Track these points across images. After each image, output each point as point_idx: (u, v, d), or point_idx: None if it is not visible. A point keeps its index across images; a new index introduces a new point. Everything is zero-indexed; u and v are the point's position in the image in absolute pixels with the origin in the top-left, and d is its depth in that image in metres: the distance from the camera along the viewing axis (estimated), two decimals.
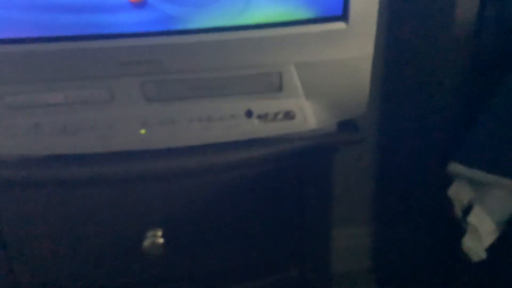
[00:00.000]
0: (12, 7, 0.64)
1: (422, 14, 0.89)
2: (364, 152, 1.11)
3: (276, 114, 0.74)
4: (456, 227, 0.82)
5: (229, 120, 0.73)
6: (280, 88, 0.72)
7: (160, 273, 0.81)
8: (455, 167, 0.79)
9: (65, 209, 0.76)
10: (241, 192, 0.78)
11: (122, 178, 0.75)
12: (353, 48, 0.71)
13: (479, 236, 0.77)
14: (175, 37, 0.67)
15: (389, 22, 0.97)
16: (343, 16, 0.69)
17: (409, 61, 0.95)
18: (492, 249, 0.77)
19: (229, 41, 0.68)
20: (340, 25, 0.69)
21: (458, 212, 0.81)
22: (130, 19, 0.66)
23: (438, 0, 0.84)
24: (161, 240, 0.77)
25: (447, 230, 0.90)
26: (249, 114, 0.73)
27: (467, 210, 0.79)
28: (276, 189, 0.80)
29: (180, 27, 0.67)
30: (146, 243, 0.76)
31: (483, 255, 0.77)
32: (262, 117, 0.73)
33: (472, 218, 0.78)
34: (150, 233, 0.77)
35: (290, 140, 0.75)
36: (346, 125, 0.78)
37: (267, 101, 0.73)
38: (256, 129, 0.74)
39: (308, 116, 0.74)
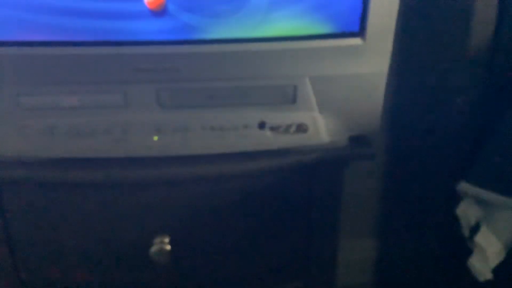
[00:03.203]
0: (32, 10, 0.65)
1: (436, 30, 0.90)
2: (373, 167, 1.11)
3: (289, 127, 0.74)
4: (463, 246, 0.82)
5: (241, 131, 0.73)
6: (294, 101, 0.73)
7: (166, 280, 0.81)
8: (464, 187, 0.79)
9: (74, 212, 0.76)
10: (250, 202, 0.78)
11: (132, 183, 0.75)
12: (369, 64, 0.71)
13: (486, 256, 0.77)
14: (193, 46, 0.68)
15: (402, 38, 0.97)
16: (360, 32, 0.69)
17: (421, 78, 0.95)
18: (498, 270, 0.77)
19: (245, 52, 0.69)
20: (356, 41, 0.69)
21: (466, 231, 0.81)
22: (149, 27, 0.66)
23: (453, 17, 0.84)
24: (168, 247, 0.77)
25: (454, 248, 0.90)
26: (262, 125, 0.73)
27: (475, 229, 0.79)
28: (284, 201, 0.80)
29: (198, 36, 0.68)
30: (153, 249, 0.76)
31: (489, 275, 0.77)
32: (275, 128, 0.74)
33: (479, 238, 0.78)
34: (157, 240, 0.77)
35: (301, 153, 0.76)
36: (358, 140, 0.78)
37: (280, 113, 0.73)
38: (269, 140, 0.74)
39: (321, 129, 0.74)
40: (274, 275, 0.85)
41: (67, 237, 0.77)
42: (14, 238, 0.77)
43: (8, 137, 0.70)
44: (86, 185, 0.74)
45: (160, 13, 0.66)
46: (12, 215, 0.75)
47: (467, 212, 0.80)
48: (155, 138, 0.72)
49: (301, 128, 0.74)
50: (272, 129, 0.74)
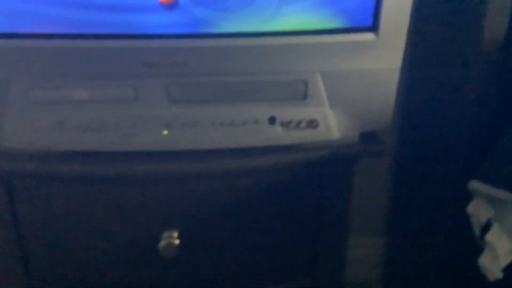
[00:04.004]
0: (42, 2, 0.65)
1: (448, 26, 0.89)
2: (383, 164, 1.11)
3: (299, 122, 0.73)
4: (473, 244, 0.81)
5: (252, 126, 0.73)
6: (305, 96, 0.72)
7: (174, 274, 0.81)
8: (475, 185, 0.79)
9: (83, 205, 0.76)
10: (259, 198, 0.78)
11: (141, 178, 0.75)
12: (381, 60, 0.70)
13: (496, 255, 0.76)
14: (203, 40, 0.67)
15: (415, 34, 0.96)
16: (373, 27, 0.69)
17: (434, 75, 0.94)
18: (509, 269, 0.76)
19: (256, 47, 0.68)
20: (369, 36, 0.69)
21: (476, 230, 0.80)
22: (160, 20, 0.66)
23: (466, 13, 0.83)
24: (177, 242, 0.77)
25: (463, 246, 0.89)
26: (272, 120, 0.73)
27: (486, 228, 0.78)
28: (293, 197, 0.79)
29: (209, 30, 0.67)
30: (162, 243, 0.76)
31: (499, 274, 0.76)
32: (285, 124, 0.73)
33: (490, 237, 0.77)
34: (166, 234, 0.77)
35: (311, 149, 0.75)
36: (368, 137, 0.77)
37: (291, 109, 0.73)
38: (279, 136, 0.73)
39: (332, 125, 0.74)
40: (283, 271, 0.85)
41: (76, 230, 0.77)
42: (23, 231, 0.77)
43: (18, 130, 0.70)
44: (95, 179, 0.74)
45: (171, 6, 0.65)
46: (22, 208, 0.75)
47: (478, 210, 0.80)
48: (165, 132, 0.72)
49: (311, 124, 0.74)
50: (283, 124, 0.73)
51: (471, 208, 0.80)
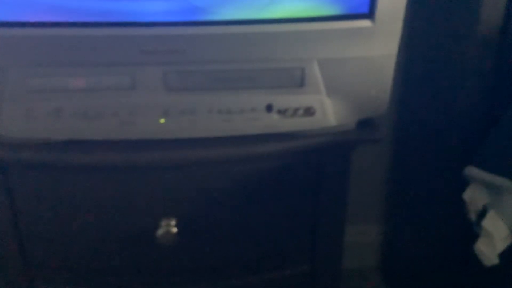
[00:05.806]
0: None
1: (446, 12, 0.89)
2: (380, 151, 1.11)
3: (296, 110, 0.73)
4: (468, 230, 0.82)
5: (249, 114, 0.73)
6: (301, 84, 0.72)
7: (172, 262, 0.81)
8: (471, 171, 0.79)
9: (81, 194, 0.76)
10: (256, 186, 0.78)
11: (138, 166, 0.75)
12: (378, 46, 0.70)
13: (493, 241, 0.77)
14: (200, 28, 0.67)
15: (412, 21, 0.96)
16: (369, 14, 0.68)
17: (430, 61, 0.94)
18: (505, 255, 0.77)
19: (253, 34, 0.68)
20: (365, 23, 0.69)
21: (472, 216, 0.81)
22: (157, 8, 0.66)
23: None
24: (174, 230, 0.77)
25: (459, 232, 0.90)
26: (269, 108, 0.73)
27: (482, 214, 0.79)
28: (291, 184, 0.80)
29: (205, 18, 0.67)
30: (160, 232, 0.77)
31: (495, 260, 0.77)
32: (282, 112, 0.73)
33: (486, 223, 0.78)
34: (164, 222, 0.77)
35: (308, 136, 0.75)
36: (365, 124, 0.77)
37: (288, 96, 0.73)
38: (276, 123, 0.74)
39: (328, 113, 0.74)
40: (280, 258, 0.85)
41: (74, 219, 0.77)
42: (21, 219, 0.77)
43: (15, 119, 0.70)
44: (92, 167, 0.74)
45: None
46: (19, 197, 0.75)
47: (474, 196, 0.80)
48: (162, 120, 0.72)
49: (308, 112, 0.74)
50: (280, 112, 0.73)
51: (467, 194, 0.81)
